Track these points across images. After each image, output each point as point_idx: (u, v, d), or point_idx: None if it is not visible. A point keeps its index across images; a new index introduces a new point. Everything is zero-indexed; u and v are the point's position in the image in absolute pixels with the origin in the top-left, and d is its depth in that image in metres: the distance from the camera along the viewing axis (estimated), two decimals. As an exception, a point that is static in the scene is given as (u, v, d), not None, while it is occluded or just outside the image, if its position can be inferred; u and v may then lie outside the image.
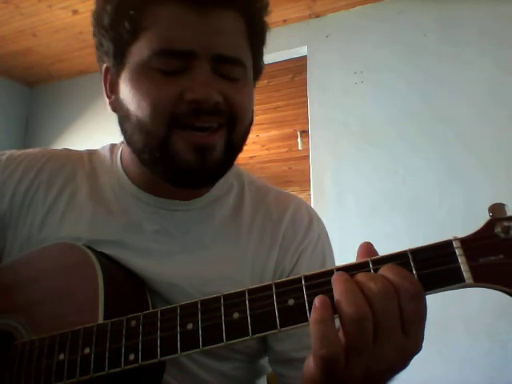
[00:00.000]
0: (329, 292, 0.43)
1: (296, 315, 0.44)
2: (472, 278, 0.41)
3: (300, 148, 4.23)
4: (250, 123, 0.68)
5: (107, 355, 0.49)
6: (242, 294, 0.46)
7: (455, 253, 0.42)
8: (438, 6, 2.48)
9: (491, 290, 0.42)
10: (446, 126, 2.34)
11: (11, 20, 2.92)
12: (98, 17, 0.63)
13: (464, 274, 0.42)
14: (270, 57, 2.86)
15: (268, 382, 0.79)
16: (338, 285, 0.43)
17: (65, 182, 0.71)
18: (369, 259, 0.44)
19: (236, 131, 0.63)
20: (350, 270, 0.44)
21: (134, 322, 0.49)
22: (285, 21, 2.83)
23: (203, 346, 0.45)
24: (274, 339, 0.66)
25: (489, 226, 0.43)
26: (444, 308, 1.96)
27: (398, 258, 0.44)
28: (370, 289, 0.42)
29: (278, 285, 0.46)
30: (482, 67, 2.31)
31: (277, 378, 0.69)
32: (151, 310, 0.50)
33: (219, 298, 0.47)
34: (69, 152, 0.77)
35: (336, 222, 2.40)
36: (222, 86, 0.60)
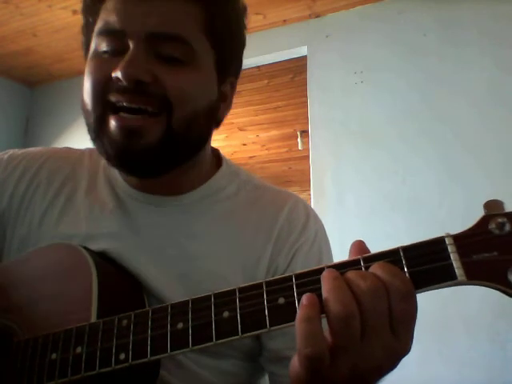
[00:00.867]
0: (319, 290, 0.43)
1: (286, 314, 0.43)
2: (465, 274, 0.41)
3: (300, 148, 4.23)
4: (202, 113, 0.64)
5: (98, 354, 0.49)
6: (232, 292, 0.46)
7: (447, 249, 0.42)
8: (438, 5, 2.48)
9: (491, 290, 0.41)
10: (446, 126, 2.34)
11: (11, 20, 2.92)
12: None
13: (456, 270, 0.41)
14: (269, 57, 2.86)
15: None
16: (326, 282, 0.42)
17: (64, 181, 0.72)
18: (360, 257, 0.44)
19: (175, 117, 0.60)
20: (340, 267, 0.44)
21: (125, 322, 0.49)
22: (285, 21, 2.83)
23: (193, 345, 0.45)
24: (267, 337, 0.66)
25: (483, 222, 0.43)
26: (444, 308, 1.96)
27: (390, 256, 0.43)
28: (358, 286, 0.41)
29: (268, 283, 0.45)
30: (482, 67, 2.31)
31: (269, 377, 0.69)
32: (142, 310, 0.50)
33: (210, 296, 0.47)
34: (69, 151, 0.78)
35: (336, 222, 2.40)
36: (155, 67, 0.59)
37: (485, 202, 0.43)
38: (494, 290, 0.41)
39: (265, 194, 0.74)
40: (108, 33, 0.60)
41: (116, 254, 0.64)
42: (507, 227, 0.41)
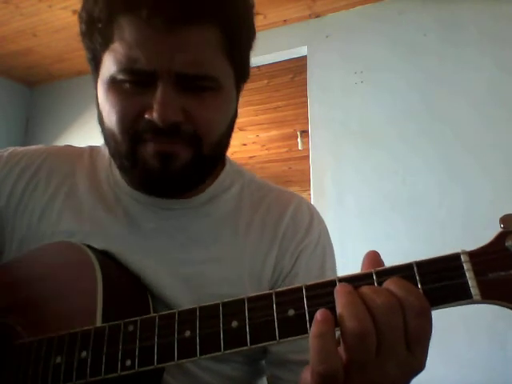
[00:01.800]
0: (330, 303, 0.42)
1: (296, 326, 0.43)
2: (480, 294, 0.40)
3: (300, 148, 4.23)
4: (227, 130, 0.66)
5: (104, 360, 0.48)
6: (241, 302, 0.45)
7: (463, 267, 0.40)
8: (438, 5, 2.48)
9: None
10: (446, 126, 2.34)
11: (11, 20, 2.91)
12: (79, 23, 0.63)
13: (472, 289, 0.40)
14: (270, 57, 2.86)
15: (269, 382, 0.79)
16: (340, 296, 0.41)
17: (63, 179, 0.71)
18: (373, 270, 0.43)
19: (204, 146, 0.62)
20: (352, 281, 0.43)
21: (131, 327, 0.48)
22: (285, 21, 2.83)
23: (200, 354, 0.44)
24: None
25: (499, 238, 0.41)
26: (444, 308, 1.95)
27: (403, 271, 0.42)
28: (373, 302, 0.40)
29: (278, 294, 0.44)
30: (482, 67, 2.31)
31: (271, 380, 0.68)
32: (149, 315, 0.49)
33: (218, 305, 0.46)
34: (69, 148, 0.78)
35: (336, 222, 2.40)
36: (185, 100, 0.59)
37: (501, 216, 0.42)
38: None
39: (268, 194, 0.74)
40: (134, 71, 0.57)
41: (119, 256, 0.64)
42: None
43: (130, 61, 0.57)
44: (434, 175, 2.31)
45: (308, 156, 2.72)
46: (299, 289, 0.44)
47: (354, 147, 2.53)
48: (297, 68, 3.16)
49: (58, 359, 0.50)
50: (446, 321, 2.07)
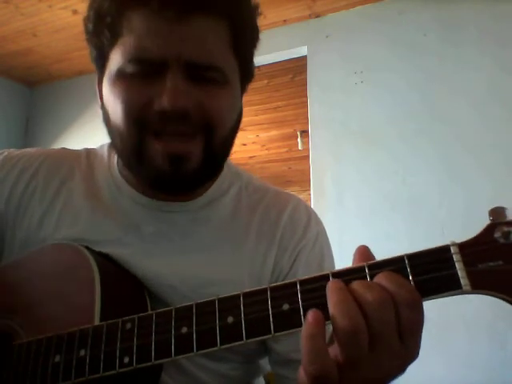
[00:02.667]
0: (324, 297, 0.42)
1: (290, 320, 0.43)
2: (470, 284, 0.40)
3: (300, 148, 4.23)
4: (234, 128, 0.66)
5: (102, 358, 0.48)
6: (236, 297, 0.46)
7: (453, 258, 0.41)
8: (437, 5, 2.48)
9: None
10: (446, 126, 2.34)
11: (11, 20, 2.92)
12: (84, 23, 0.63)
13: (461, 280, 0.41)
14: (270, 57, 2.86)
15: (266, 381, 0.79)
16: (331, 294, 0.41)
17: (62, 182, 0.71)
18: (365, 264, 0.43)
19: (214, 138, 0.61)
20: (345, 274, 0.43)
21: (129, 325, 0.49)
22: (285, 21, 2.83)
23: (197, 350, 0.45)
24: (273, 340, 0.66)
25: (488, 230, 0.42)
26: (444, 308, 1.95)
27: (395, 263, 0.43)
28: (365, 298, 0.40)
29: (272, 289, 0.45)
30: (481, 67, 2.31)
31: (277, 379, 0.69)
32: (146, 313, 0.50)
33: (214, 301, 0.46)
34: (66, 151, 0.77)
35: (336, 222, 2.40)
36: (196, 91, 0.59)
37: (490, 208, 0.43)
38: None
39: (266, 195, 0.74)
40: (145, 60, 0.58)
41: (118, 258, 0.64)
42: None
43: (139, 50, 0.57)
44: (434, 175, 2.31)
45: (308, 156, 2.72)
46: (294, 283, 0.44)
47: (354, 147, 2.53)
48: (297, 68, 3.17)
49: (57, 358, 0.51)
50: (445, 320, 2.08)
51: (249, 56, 0.67)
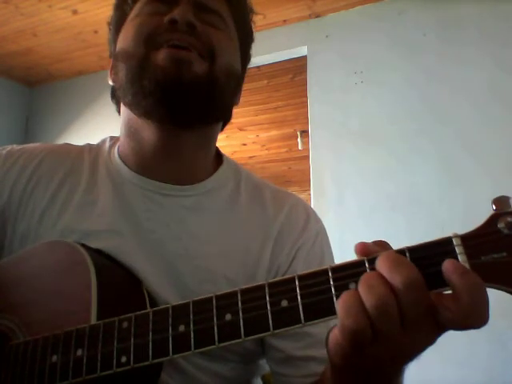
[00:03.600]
0: (323, 293, 0.42)
1: (289, 317, 0.42)
2: None
3: (300, 148, 4.23)
4: (235, 74, 0.71)
5: (99, 357, 0.48)
6: (234, 294, 0.45)
7: (455, 251, 0.40)
8: (437, 5, 2.48)
9: (492, 290, 0.40)
10: (446, 125, 2.34)
11: (11, 20, 2.91)
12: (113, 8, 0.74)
13: None
14: (269, 57, 2.86)
15: (263, 381, 0.78)
16: (362, 279, 0.40)
17: (64, 177, 0.71)
18: (365, 258, 0.42)
19: (217, 63, 0.66)
20: (345, 269, 0.42)
21: (126, 324, 0.48)
22: (285, 21, 2.83)
23: (195, 348, 0.44)
24: (273, 337, 0.65)
25: (491, 220, 0.40)
26: (444, 308, 1.95)
27: None
28: (394, 280, 0.38)
29: (271, 285, 0.44)
30: (481, 66, 2.31)
31: (274, 377, 0.68)
32: (143, 311, 0.49)
33: (211, 298, 0.46)
34: (68, 146, 0.78)
35: (336, 222, 2.40)
36: (201, 23, 0.66)
37: (493, 198, 0.41)
38: (494, 290, 0.40)
39: (264, 192, 0.74)
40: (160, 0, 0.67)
41: (115, 251, 0.64)
42: None
43: None
44: (434, 175, 2.31)
45: (308, 156, 2.71)
46: (292, 279, 0.43)
47: (354, 147, 2.52)
48: (297, 68, 3.16)
49: (54, 358, 0.50)
50: (446, 321, 2.07)
51: (244, 19, 0.76)
